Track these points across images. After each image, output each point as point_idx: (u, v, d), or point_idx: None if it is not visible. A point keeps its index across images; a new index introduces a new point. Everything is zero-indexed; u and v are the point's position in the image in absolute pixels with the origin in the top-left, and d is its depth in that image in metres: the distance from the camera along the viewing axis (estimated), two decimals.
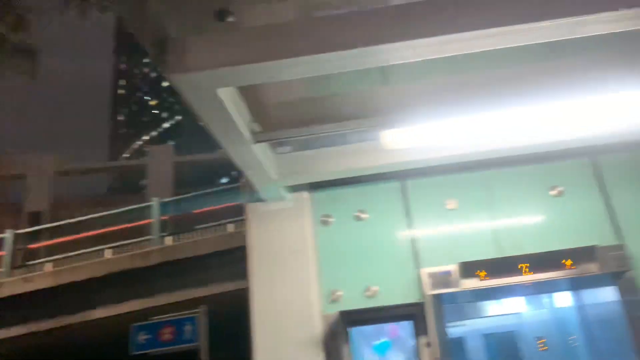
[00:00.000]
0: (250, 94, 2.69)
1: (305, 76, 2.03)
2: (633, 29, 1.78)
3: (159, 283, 8.66)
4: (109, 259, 8.78)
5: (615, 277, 2.90)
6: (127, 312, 8.25)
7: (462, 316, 4.13)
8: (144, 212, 10.69)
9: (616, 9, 1.67)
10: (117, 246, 9.42)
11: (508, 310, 4.16)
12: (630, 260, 2.85)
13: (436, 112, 2.57)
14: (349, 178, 3.31)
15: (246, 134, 2.54)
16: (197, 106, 2.24)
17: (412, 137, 2.71)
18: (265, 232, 3.38)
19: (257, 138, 2.61)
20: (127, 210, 10.51)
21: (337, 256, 3.29)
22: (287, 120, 2.93)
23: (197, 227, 10.12)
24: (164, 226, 10.16)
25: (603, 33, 1.78)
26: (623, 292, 2.86)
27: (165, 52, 2.02)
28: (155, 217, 9.72)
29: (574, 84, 2.40)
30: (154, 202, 9.88)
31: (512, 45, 1.84)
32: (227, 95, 2.24)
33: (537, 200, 3.19)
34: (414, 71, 2.91)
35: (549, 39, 1.82)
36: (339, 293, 3.16)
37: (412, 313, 2.95)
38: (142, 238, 9.51)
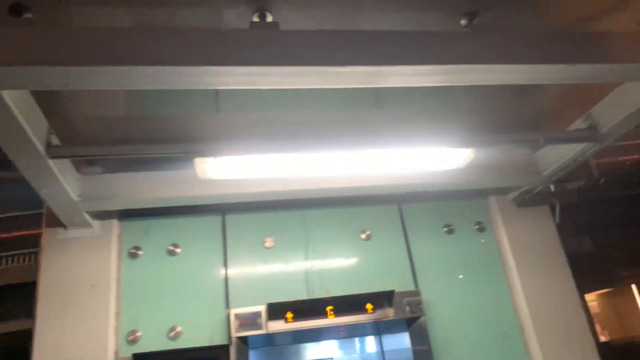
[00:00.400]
0: (54, 103, 2.42)
1: (104, 88, 1.85)
2: (428, 85, 1.96)
3: None
4: None
5: (408, 323, 3.08)
6: None
7: None
8: None
9: (412, 64, 1.82)
10: None
11: (325, 355, 4.19)
12: (422, 306, 3.06)
13: (258, 145, 2.56)
14: (165, 208, 3.12)
15: (40, 146, 2.24)
16: None
17: (229, 168, 2.64)
18: (62, 262, 3.00)
19: (54, 153, 2.32)
20: None
21: (143, 293, 3.03)
22: (97, 137, 2.69)
23: (4, 254, 8.86)
24: None
25: (404, 86, 1.93)
26: (414, 338, 3.04)
27: None
28: None
29: (387, 135, 2.57)
30: None
31: (322, 87, 1.89)
32: (17, 100, 1.96)
33: (348, 242, 3.32)
34: (242, 101, 2.89)
35: (354, 85, 1.91)
36: (138, 333, 2.89)
37: (214, 356, 2.80)
38: None
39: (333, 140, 2.65)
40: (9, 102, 1.89)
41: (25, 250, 9.02)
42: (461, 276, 3.33)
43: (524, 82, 2.08)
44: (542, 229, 3.50)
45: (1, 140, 2.11)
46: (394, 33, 1.93)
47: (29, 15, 1.88)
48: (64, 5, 2.23)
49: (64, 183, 2.55)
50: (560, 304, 3.29)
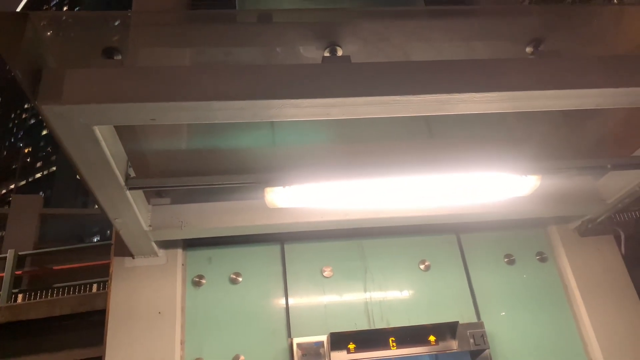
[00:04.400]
0: (130, 139, 2.56)
1: (188, 122, 1.97)
2: (497, 111, 1.99)
3: (4, 346, 7.62)
4: None
5: (472, 355, 3.02)
6: None
7: None
8: None
9: (481, 91, 1.86)
10: None
11: None
12: (486, 338, 3.00)
13: (320, 175, 2.62)
14: (227, 238, 3.20)
15: (121, 178, 2.38)
16: (70, 142, 2.06)
17: (295, 197, 2.71)
18: (129, 289, 3.10)
19: (132, 184, 2.45)
20: None
21: (206, 321, 3.09)
22: (167, 170, 2.82)
23: (58, 285, 9.20)
24: (18, 282, 9.14)
25: (470, 112, 1.97)
26: None
27: (39, 82, 1.87)
28: (7, 271, 8.68)
29: (445, 162, 2.59)
30: (9, 254, 8.84)
31: (392, 115, 1.95)
32: (105, 134, 2.11)
33: (407, 273, 3.30)
34: (302, 134, 2.99)
35: (425, 113, 1.96)
36: None
37: None
38: None
39: (392, 168, 2.68)
40: (99, 136, 2.03)
41: (75, 282, 9.33)
42: (503, 313, 3.24)
43: (592, 107, 2.08)
44: (608, 260, 3.38)
45: (87, 171, 2.25)
46: (461, 62, 1.98)
47: (119, 56, 2.04)
48: (141, 48, 2.41)
49: (137, 213, 2.67)
50: (633, 341, 3.14)
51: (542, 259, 3.44)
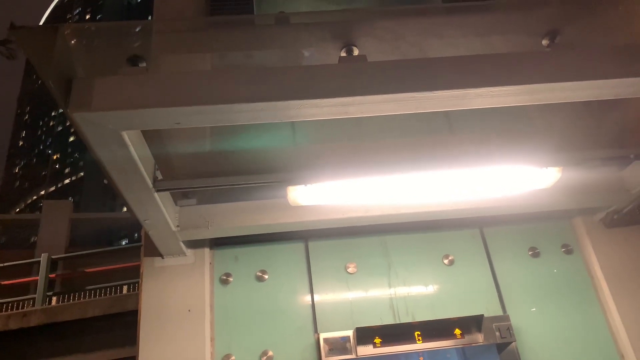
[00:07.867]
0: (156, 142, 2.65)
1: (211, 125, 2.04)
2: (513, 104, 2.01)
3: (40, 347, 7.86)
4: None
5: (499, 348, 3.02)
6: None
7: None
8: (31, 270, 9.86)
9: (497, 85, 1.88)
10: None
11: None
12: (512, 331, 3.00)
13: (342, 172, 2.67)
14: (253, 236, 3.28)
15: (149, 181, 2.47)
16: (99, 147, 2.16)
17: (317, 195, 2.76)
18: (159, 288, 3.20)
19: (159, 186, 2.54)
20: (10, 267, 9.61)
21: (235, 318, 3.17)
22: (192, 172, 2.90)
23: (89, 287, 9.43)
24: (51, 285, 9.39)
25: (487, 107, 1.99)
26: None
27: (70, 91, 1.97)
28: (42, 275, 8.94)
29: (465, 157, 2.61)
30: (43, 259, 9.10)
31: (409, 112, 1.99)
32: (133, 139, 2.19)
33: (431, 268, 3.33)
34: (323, 133, 3.04)
35: (441, 108, 1.99)
36: (232, 358, 3.02)
37: None
38: (22, 297, 8.69)
39: (413, 164, 2.71)
40: (128, 141, 2.12)
41: (106, 284, 9.56)
42: (534, 309, 3.23)
43: (611, 97, 2.08)
44: (636, 251, 3.34)
45: (117, 175, 2.35)
46: (476, 57, 2.00)
47: (144, 64, 2.12)
48: (164, 54, 2.50)
49: (165, 214, 2.76)
50: None
51: (568, 251, 3.42)
